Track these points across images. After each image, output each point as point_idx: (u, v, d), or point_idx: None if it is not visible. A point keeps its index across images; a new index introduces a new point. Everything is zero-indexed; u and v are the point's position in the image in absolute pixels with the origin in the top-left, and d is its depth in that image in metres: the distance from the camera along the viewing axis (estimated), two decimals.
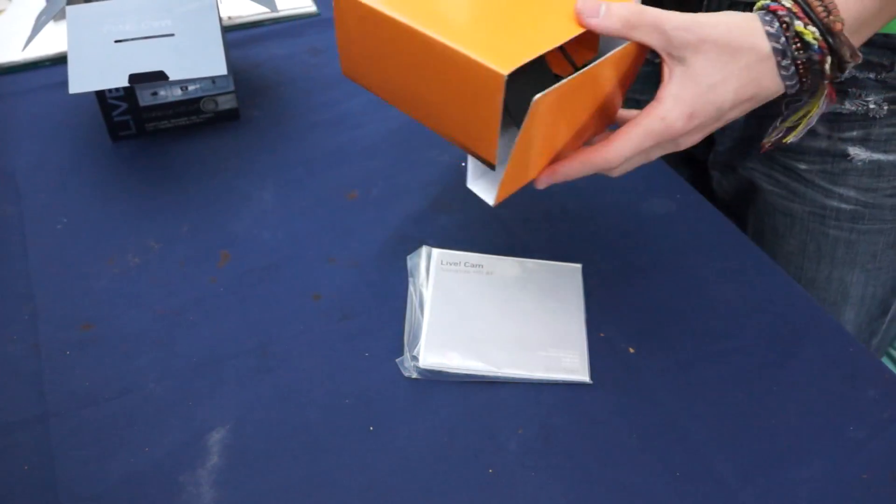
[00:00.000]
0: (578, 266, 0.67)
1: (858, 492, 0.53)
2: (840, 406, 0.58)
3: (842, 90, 0.68)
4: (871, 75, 0.66)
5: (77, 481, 0.52)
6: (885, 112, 0.68)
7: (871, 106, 0.67)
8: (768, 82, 0.50)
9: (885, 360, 1.37)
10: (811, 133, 0.72)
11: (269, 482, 0.52)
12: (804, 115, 0.54)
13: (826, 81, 0.51)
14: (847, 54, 0.49)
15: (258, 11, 0.96)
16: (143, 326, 0.62)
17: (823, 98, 0.52)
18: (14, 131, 0.80)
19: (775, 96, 0.51)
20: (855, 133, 0.70)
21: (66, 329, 0.61)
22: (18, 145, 0.78)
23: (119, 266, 0.66)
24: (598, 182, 0.76)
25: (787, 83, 0.50)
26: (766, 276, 0.68)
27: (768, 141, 0.57)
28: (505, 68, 0.46)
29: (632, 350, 0.61)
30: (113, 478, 0.52)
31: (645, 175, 0.77)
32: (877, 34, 0.64)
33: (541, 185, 0.54)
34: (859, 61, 0.50)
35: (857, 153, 0.70)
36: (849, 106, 0.69)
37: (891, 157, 0.70)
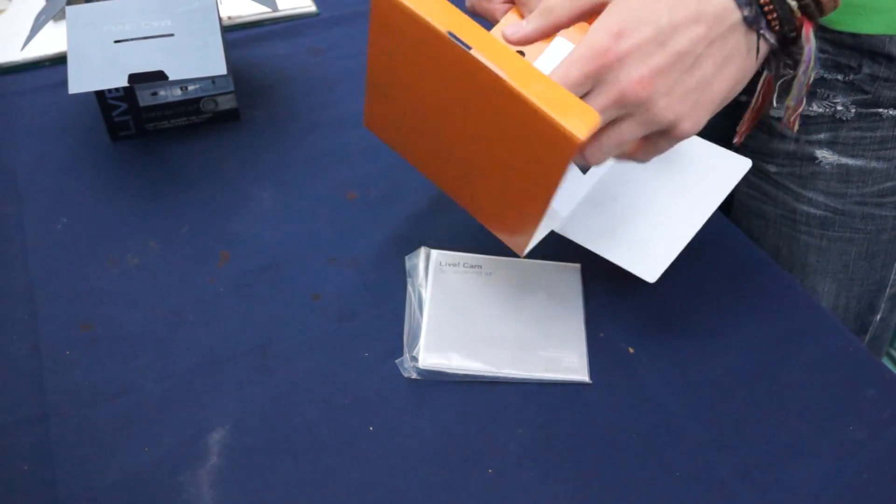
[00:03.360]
0: (578, 266, 0.67)
1: (858, 492, 0.53)
2: (840, 406, 0.58)
3: (809, 92, 0.67)
4: (839, 77, 0.65)
5: (77, 481, 0.52)
6: (852, 115, 0.66)
7: (839, 108, 0.66)
8: None
9: (885, 360, 1.37)
10: (779, 136, 0.71)
11: (268, 482, 0.52)
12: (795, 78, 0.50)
13: (797, 17, 0.46)
14: None
15: (258, 11, 0.96)
16: (143, 326, 0.62)
17: (805, 44, 0.47)
18: (14, 131, 0.79)
19: (725, 13, 0.45)
20: (822, 136, 0.68)
21: (66, 329, 0.61)
22: (18, 145, 0.78)
23: (119, 266, 0.66)
24: None
25: None
26: (766, 276, 0.68)
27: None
28: (580, 132, 0.39)
29: (631, 350, 0.61)
30: (113, 478, 0.52)
31: None
32: (845, 34, 0.63)
33: None
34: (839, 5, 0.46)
35: (825, 156, 0.69)
36: (816, 108, 0.68)
37: (858, 162, 0.68)
